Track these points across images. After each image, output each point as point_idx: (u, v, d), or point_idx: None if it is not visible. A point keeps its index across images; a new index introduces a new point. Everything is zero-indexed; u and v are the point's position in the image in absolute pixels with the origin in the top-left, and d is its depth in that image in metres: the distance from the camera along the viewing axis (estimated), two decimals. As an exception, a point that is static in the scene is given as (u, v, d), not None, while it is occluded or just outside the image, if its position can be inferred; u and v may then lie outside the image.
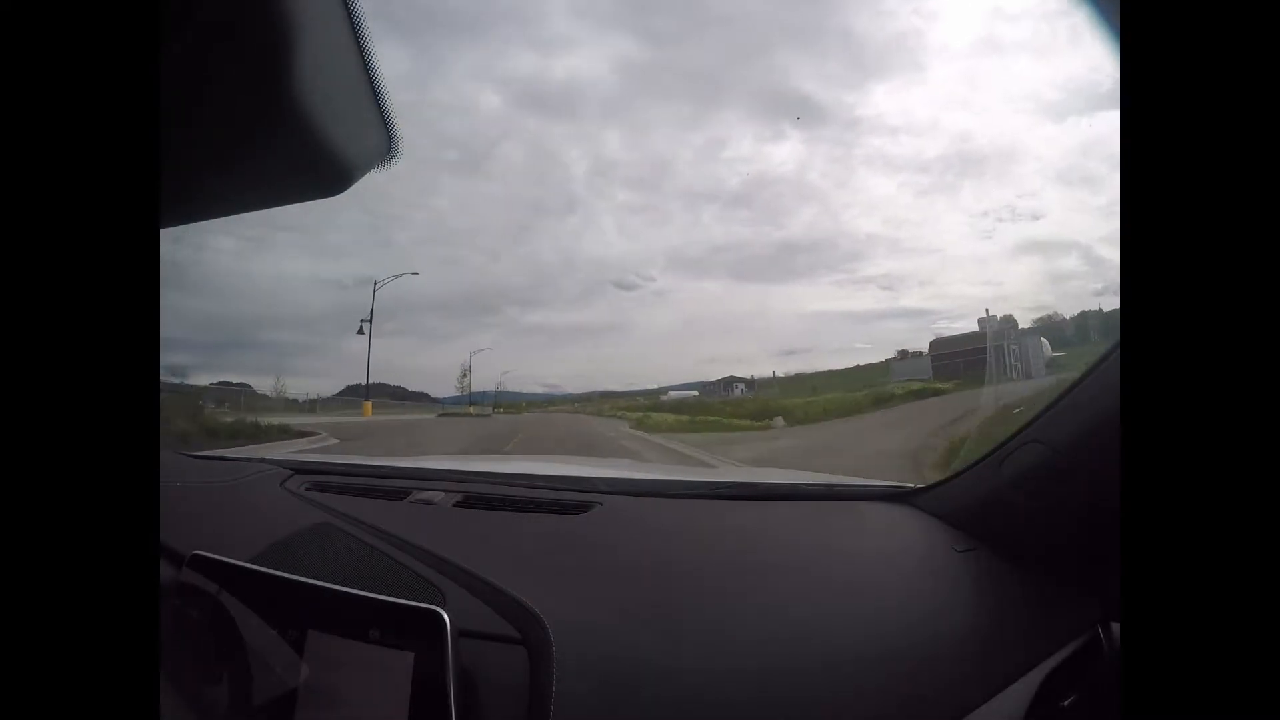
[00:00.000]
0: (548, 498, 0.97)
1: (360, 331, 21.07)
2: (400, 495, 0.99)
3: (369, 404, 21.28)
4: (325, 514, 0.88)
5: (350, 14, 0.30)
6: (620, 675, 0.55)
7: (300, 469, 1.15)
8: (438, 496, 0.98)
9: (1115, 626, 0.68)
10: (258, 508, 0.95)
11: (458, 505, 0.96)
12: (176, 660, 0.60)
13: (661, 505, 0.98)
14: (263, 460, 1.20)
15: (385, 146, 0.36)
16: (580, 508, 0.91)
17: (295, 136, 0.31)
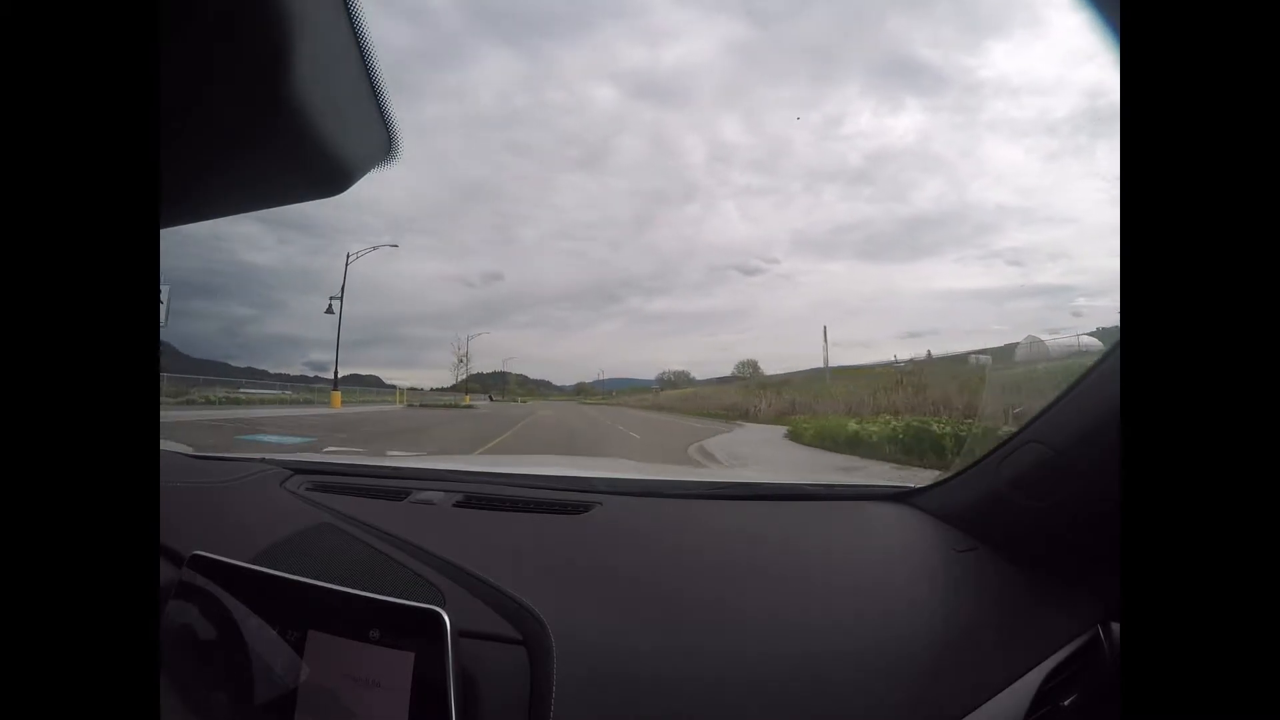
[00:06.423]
0: (548, 498, 0.97)
1: (329, 310, 20.39)
2: (400, 495, 1.00)
3: (337, 394, 20.84)
4: (325, 514, 0.88)
5: (350, 14, 0.30)
6: (620, 675, 0.55)
7: (300, 469, 1.15)
8: (438, 496, 0.98)
9: (1115, 626, 0.68)
10: (258, 508, 0.95)
11: (458, 505, 0.96)
12: (176, 660, 0.60)
13: (661, 505, 0.98)
14: (263, 460, 1.20)
15: (385, 146, 0.36)
16: (580, 508, 0.91)
17: (295, 136, 0.31)
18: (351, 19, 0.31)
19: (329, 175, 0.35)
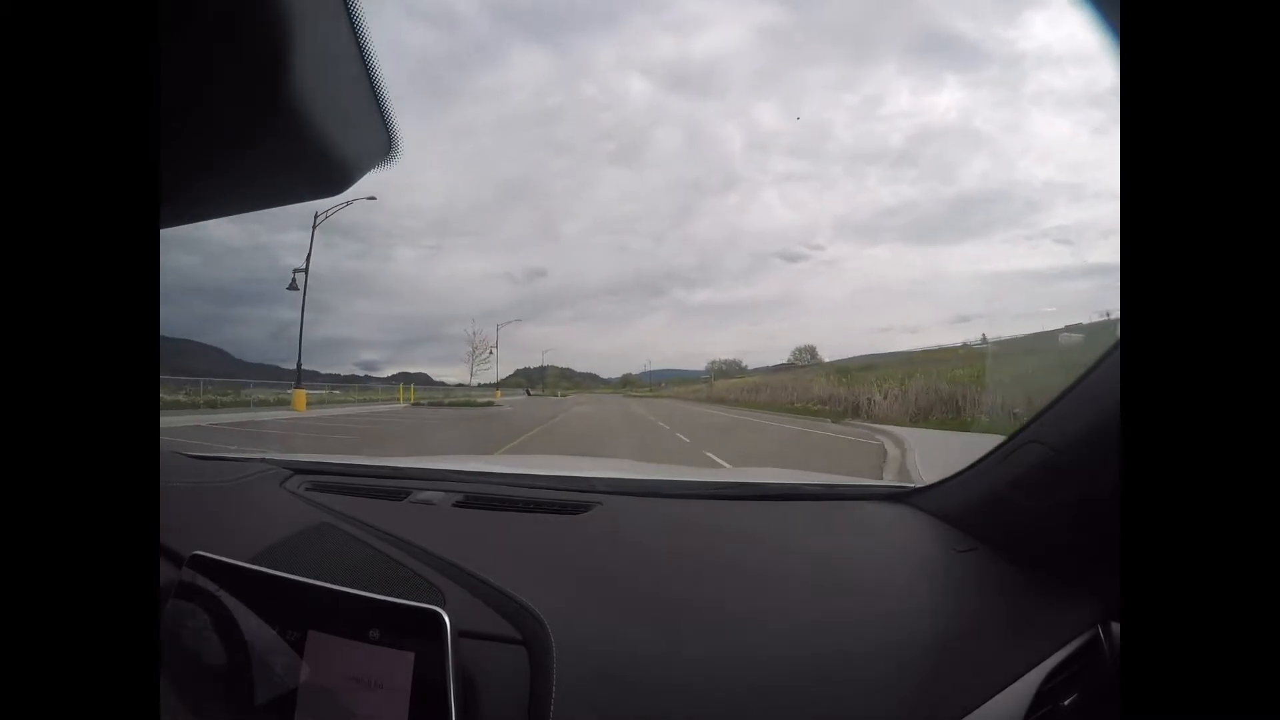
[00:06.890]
0: (548, 498, 0.97)
1: (293, 286, 16.36)
2: (400, 495, 1.00)
3: (302, 393, 16.54)
4: (325, 514, 0.88)
5: (350, 14, 0.30)
6: (620, 675, 0.55)
7: (300, 469, 1.15)
8: (438, 496, 0.98)
9: (1115, 626, 0.68)
10: (258, 508, 0.96)
11: (458, 505, 0.96)
12: (176, 660, 0.60)
13: (661, 505, 0.98)
14: (263, 460, 1.20)
15: (385, 146, 0.36)
16: (580, 508, 0.91)
17: (295, 136, 0.31)
18: (351, 19, 0.31)
19: (329, 175, 0.35)
